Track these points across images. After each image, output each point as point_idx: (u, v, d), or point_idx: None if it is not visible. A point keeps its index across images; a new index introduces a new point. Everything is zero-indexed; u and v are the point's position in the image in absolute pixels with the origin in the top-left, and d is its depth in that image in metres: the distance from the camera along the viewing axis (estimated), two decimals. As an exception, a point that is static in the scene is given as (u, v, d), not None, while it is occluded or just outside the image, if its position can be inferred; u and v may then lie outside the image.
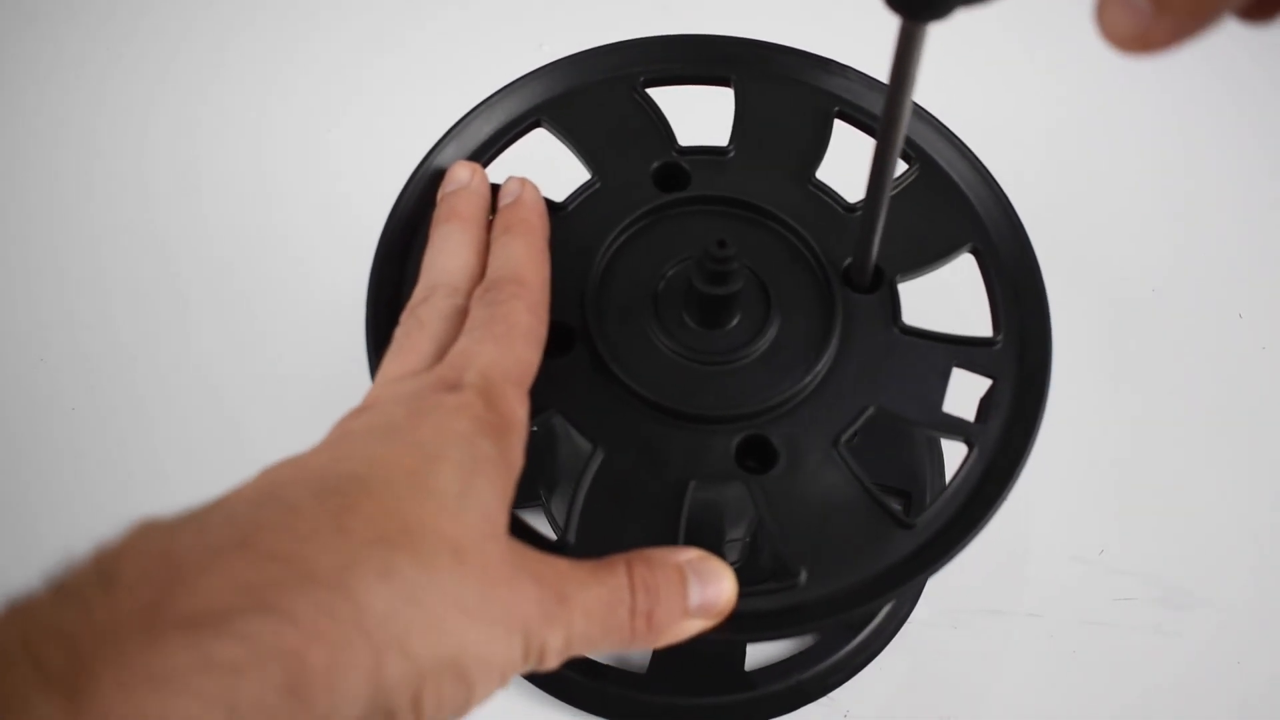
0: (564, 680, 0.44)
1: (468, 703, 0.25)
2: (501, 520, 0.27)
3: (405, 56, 0.64)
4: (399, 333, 0.33)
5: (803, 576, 0.32)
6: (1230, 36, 0.68)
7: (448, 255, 0.35)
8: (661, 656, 0.44)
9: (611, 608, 0.28)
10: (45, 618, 0.20)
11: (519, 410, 0.30)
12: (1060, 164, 0.60)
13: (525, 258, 0.34)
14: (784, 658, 0.44)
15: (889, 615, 0.46)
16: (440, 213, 0.36)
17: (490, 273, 0.34)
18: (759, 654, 0.45)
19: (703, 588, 0.30)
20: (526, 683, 0.44)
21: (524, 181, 0.37)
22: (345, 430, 0.28)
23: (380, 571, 0.24)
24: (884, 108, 0.29)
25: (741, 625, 0.31)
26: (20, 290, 0.55)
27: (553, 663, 0.28)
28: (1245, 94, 0.63)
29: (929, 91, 0.44)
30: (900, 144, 0.31)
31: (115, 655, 0.20)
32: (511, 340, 0.31)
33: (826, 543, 0.33)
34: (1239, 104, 0.63)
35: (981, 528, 0.32)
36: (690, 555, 0.30)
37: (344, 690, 0.22)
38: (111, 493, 0.49)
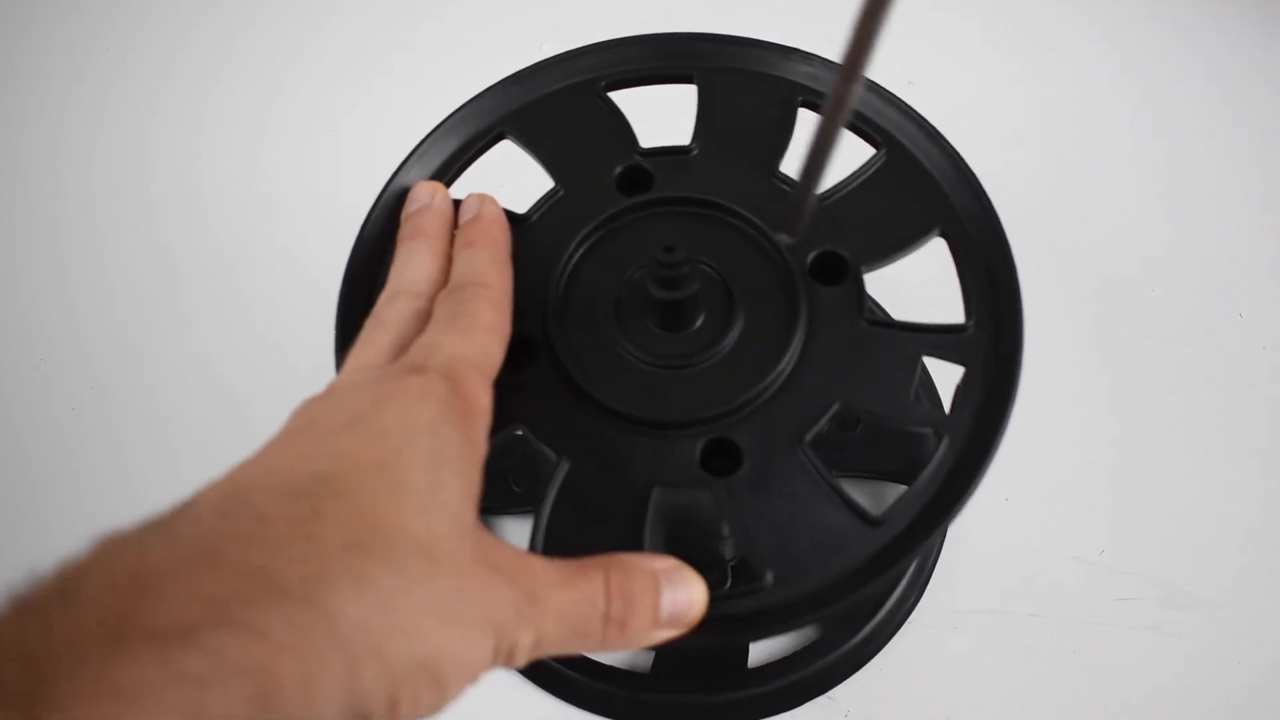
0: (568, 680, 0.44)
1: (441, 702, 0.26)
2: (470, 513, 0.28)
3: (407, 57, 0.65)
4: (362, 334, 0.33)
5: (769, 578, 0.32)
6: (1231, 36, 0.65)
7: (412, 266, 0.35)
8: (665, 656, 0.44)
9: (585, 612, 0.28)
10: (4, 634, 0.21)
11: (483, 397, 0.30)
12: (1059, 164, 0.59)
13: (488, 264, 0.35)
14: (785, 655, 0.44)
15: (895, 606, 0.45)
16: (404, 231, 0.37)
17: (454, 279, 0.34)
18: (761, 651, 0.44)
19: (675, 597, 0.30)
20: (530, 682, 0.44)
21: (484, 198, 0.37)
22: (309, 418, 0.28)
23: (352, 580, 0.24)
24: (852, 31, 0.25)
25: (707, 630, 0.31)
26: (22, 290, 0.56)
27: (520, 662, 0.28)
28: (1248, 91, 0.61)
29: (921, 92, 0.43)
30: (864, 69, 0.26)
31: (75, 668, 0.20)
32: (475, 332, 0.31)
33: (793, 543, 0.32)
34: (1241, 102, 0.61)
35: (949, 522, 0.32)
36: (666, 564, 0.30)
37: (318, 698, 0.23)
38: (113, 492, 0.50)
